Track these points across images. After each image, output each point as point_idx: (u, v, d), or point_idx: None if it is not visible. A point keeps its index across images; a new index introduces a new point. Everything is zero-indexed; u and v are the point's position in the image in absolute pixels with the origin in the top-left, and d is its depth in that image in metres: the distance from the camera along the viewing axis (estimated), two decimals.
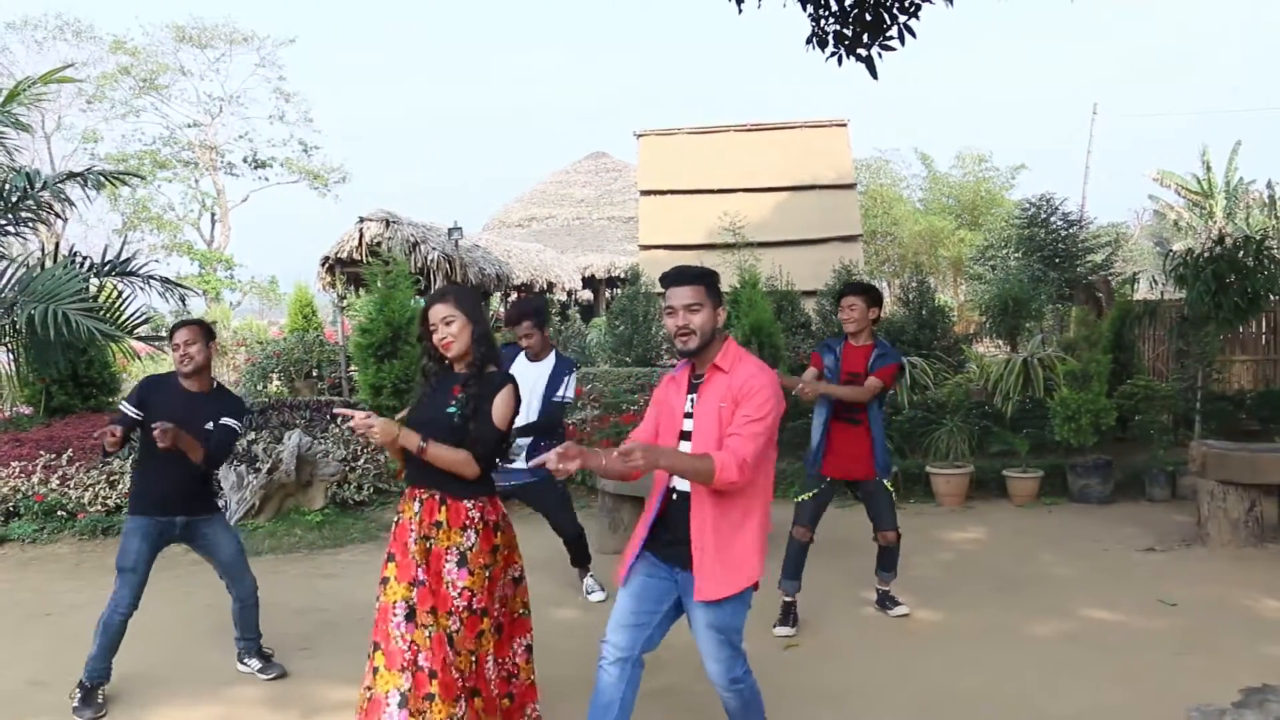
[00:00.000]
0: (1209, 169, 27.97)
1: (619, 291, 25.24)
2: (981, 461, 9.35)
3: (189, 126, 36.84)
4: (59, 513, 8.59)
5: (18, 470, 8.82)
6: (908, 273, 25.52)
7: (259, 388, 16.32)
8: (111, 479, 8.86)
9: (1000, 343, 14.94)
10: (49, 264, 10.51)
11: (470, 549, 3.79)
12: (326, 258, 17.36)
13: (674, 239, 18.02)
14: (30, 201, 10.60)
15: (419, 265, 16.04)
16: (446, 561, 3.78)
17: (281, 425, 9.69)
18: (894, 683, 4.95)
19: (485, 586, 3.81)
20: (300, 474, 8.49)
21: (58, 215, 10.97)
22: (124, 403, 5.09)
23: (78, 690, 4.92)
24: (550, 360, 6.36)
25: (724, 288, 3.85)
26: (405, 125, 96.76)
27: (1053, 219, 18.20)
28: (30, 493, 8.63)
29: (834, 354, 5.94)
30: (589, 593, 6.54)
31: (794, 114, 28.40)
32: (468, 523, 3.81)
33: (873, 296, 5.96)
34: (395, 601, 3.74)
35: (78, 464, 8.99)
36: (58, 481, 8.76)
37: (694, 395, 3.63)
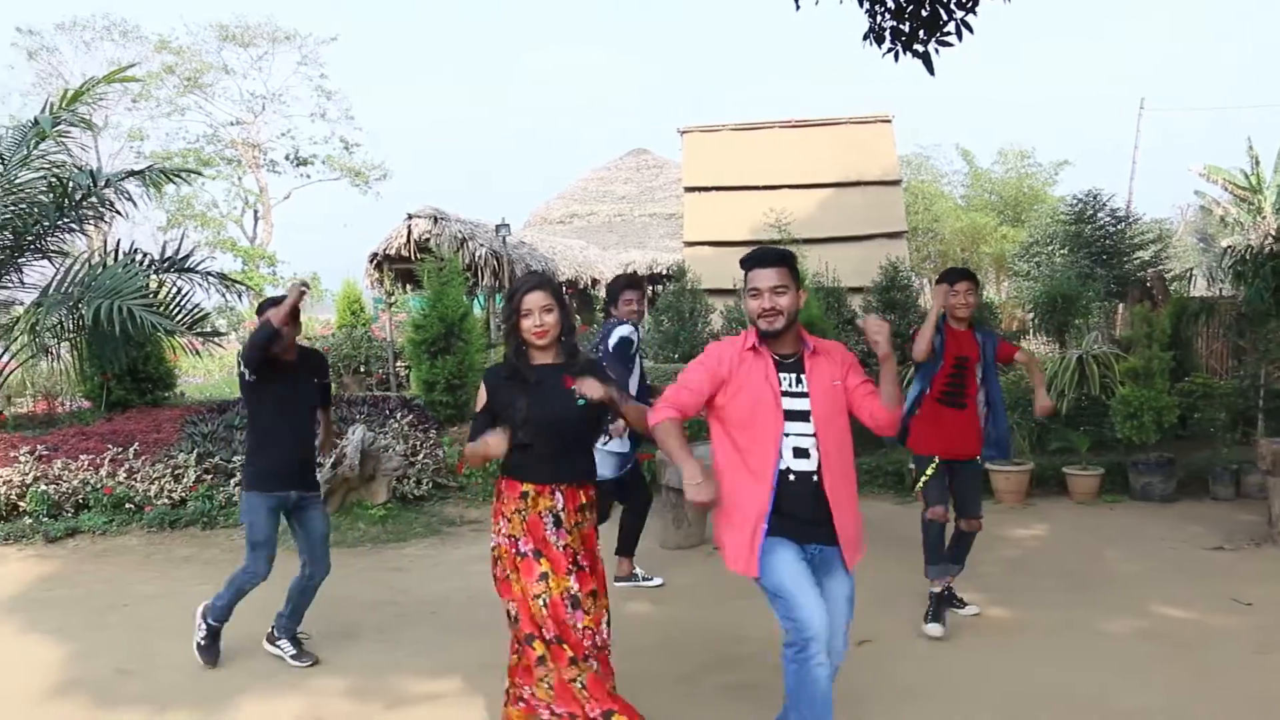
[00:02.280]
0: (1257, 163, 27.61)
1: (661, 288, 25.31)
2: (1040, 459, 9.31)
3: (232, 124, 37.28)
4: (127, 505, 8.73)
5: (86, 463, 8.97)
6: None
7: None
8: (176, 472, 8.99)
9: (1044, 339, 14.86)
10: (109, 261, 10.70)
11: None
12: (375, 254, 17.52)
13: (719, 235, 17.99)
14: (93, 199, 10.81)
15: (466, 262, 16.15)
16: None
17: (340, 420, 9.78)
18: (971, 680, 4.95)
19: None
20: (364, 469, 8.57)
21: (118, 212, 11.12)
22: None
23: (204, 628, 5.39)
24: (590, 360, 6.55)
25: None
26: (444, 122, 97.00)
27: (1100, 215, 18.08)
28: (99, 485, 8.77)
29: (940, 335, 5.78)
30: (644, 579, 6.70)
31: (834, 110, 28.24)
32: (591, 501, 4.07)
33: (978, 282, 5.98)
34: (563, 591, 3.83)
35: (143, 458, 9.12)
36: (125, 475, 8.90)
37: (791, 375, 3.68)
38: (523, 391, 3.88)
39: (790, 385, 3.67)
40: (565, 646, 3.78)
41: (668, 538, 7.66)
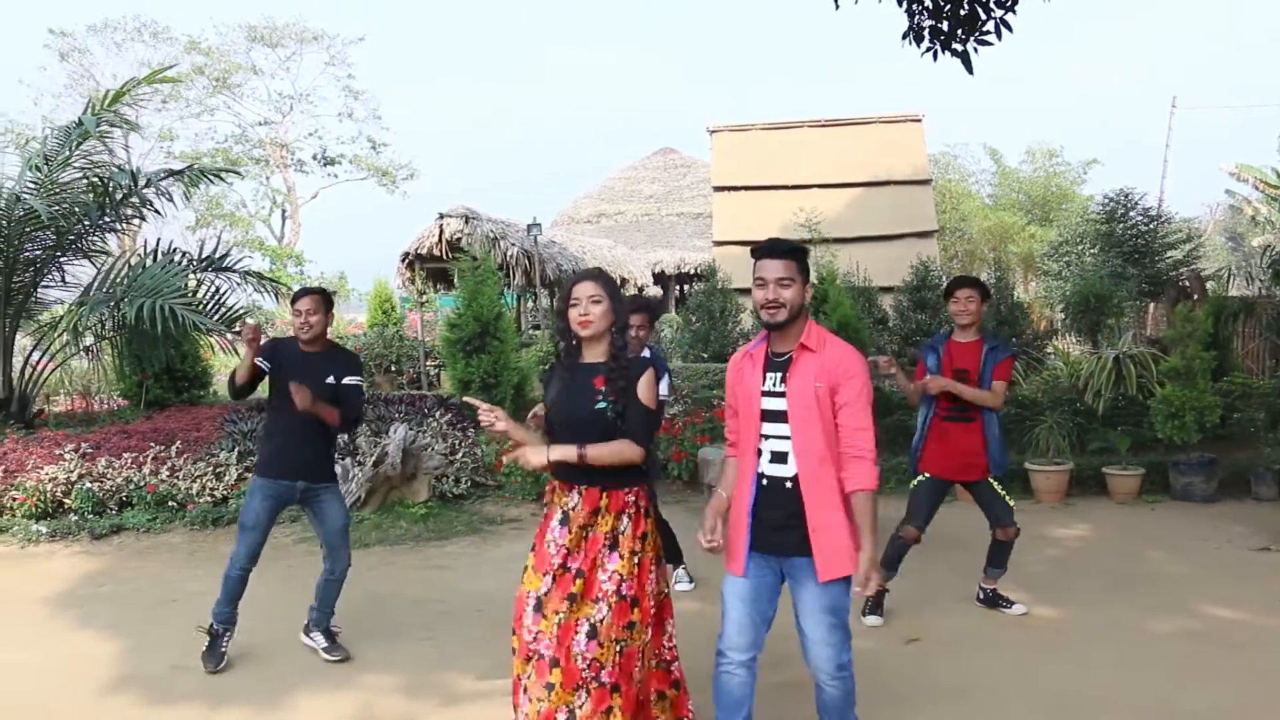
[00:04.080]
0: None
1: (689, 288, 25.32)
2: (1080, 459, 9.28)
3: (260, 124, 37.47)
4: (170, 503, 8.81)
5: (129, 461, 9.05)
6: (985, 269, 25.33)
7: None
8: (218, 471, 9.07)
9: (1075, 338, 14.80)
10: (149, 261, 10.81)
11: (623, 533, 3.79)
12: (406, 253, 17.59)
13: (749, 235, 17.96)
14: (134, 198, 10.92)
15: (498, 261, 16.21)
16: (603, 547, 3.78)
17: (378, 419, 9.84)
18: (1019, 680, 4.95)
19: (635, 574, 3.77)
20: (405, 467, 8.63)
21: (157, 212, 11.23)
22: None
23: (206, 635, 5.38)
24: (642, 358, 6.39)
25: None
26: (470, 121, 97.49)
27: (1132, 214, 17.98)
28: (142, 483, 8.86)
29: (936, 354, 5.81)
30: (676, 583, 6.62)
31: (863, 109, 28.20)
32: (624, 507, 3.81)
33: (984, 290, 5.90)
34: (527, 592, 3.80)
35: (185, 456, 9.20)
36: (167, 473, 8.99)
37: (777, 374, 3.60)
38: (558, 384, 3.89)
39: (773, 384, 3.60)
40: (514, 639, 3.82)
41: None
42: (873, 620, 5.77)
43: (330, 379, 5.29)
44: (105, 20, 34.41)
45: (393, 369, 16.88)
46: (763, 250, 3.63)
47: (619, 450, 3.74)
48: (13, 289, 10.78)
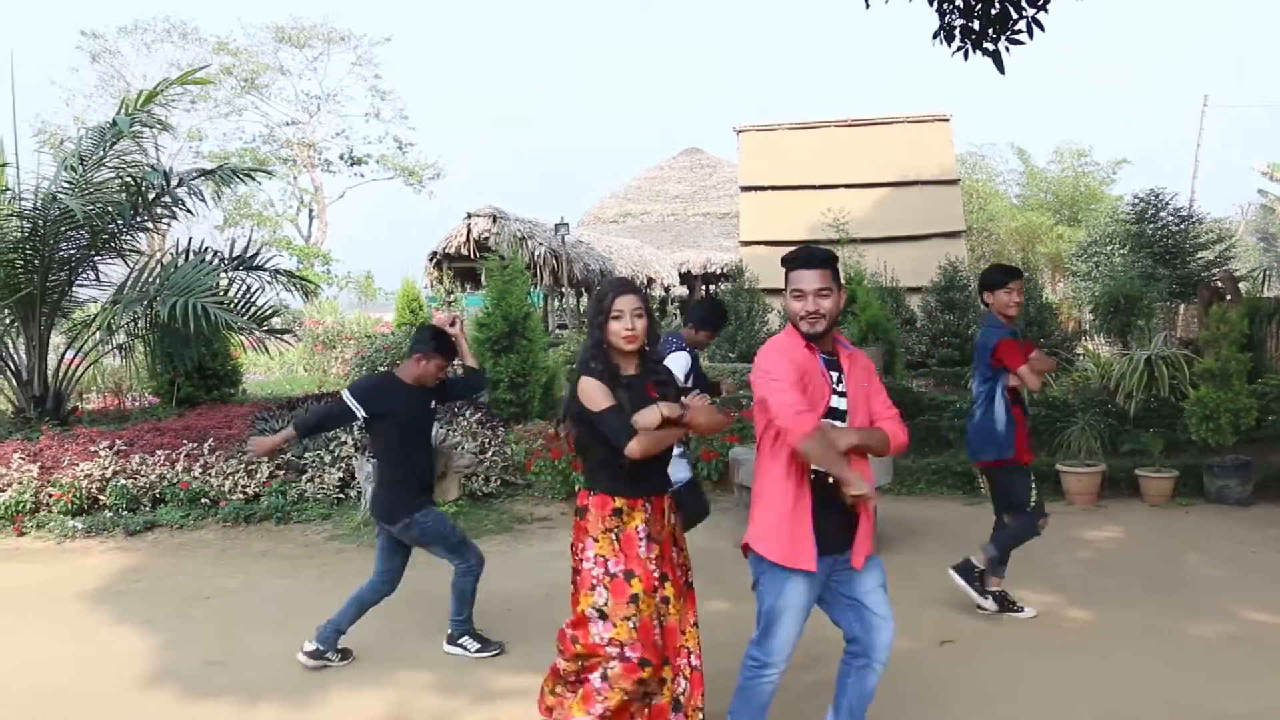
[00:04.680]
0: None
1: (714, 288, 25.32)
2: (1112, 460, 9.22)
3: (288, 124, 37.79)
4: (202, 500, 8.87)
5: (162, 458, 9.12)
6: None
7: None
8: (249, 468, 9.12)
9: (1104, 340, 14.72)
10: (181, 260, 10.90)
11: (677, 526, 4.10)
12: (434, 253, 17.64)
13: (775, 235, 18.00)
14: (166, 198, 11.01)
15: (526, 260, 16.23)
16: (673, 547, 4.00)
17: None
18: (1055, 681, 4.92)
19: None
20: (436, 466, 8.64)
21: (189, 211, 11.32)
22: (351, 400, 5.30)
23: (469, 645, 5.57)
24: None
25: None
26: (496, 121, 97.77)
27: (1163, 214, 17.88)
28: (175, 480, 8.92)
29: (1019, 338, 5.82)
30: None
31: (891, 109, 28.11)
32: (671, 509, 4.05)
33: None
34: (650, 616, 3.81)
35: (217, 453, 9.25)
36: (200, 470, 9.04)
37: (835, 374, 3.66)
38: (623, 391, 3.83)
39: (835, 383, 3.65)
40: (649, 669, 3.75)
41: (740, 536, 7.64)
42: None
43: (433, 404, 5.50)
44: (136, 22, 34.80)
45: None
46: (798, 261, 3.64)
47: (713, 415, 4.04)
48: (48, 287, 10.88)
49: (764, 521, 3.66)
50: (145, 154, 11.53)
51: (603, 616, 3.76)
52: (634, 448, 3.69)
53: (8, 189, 10.71)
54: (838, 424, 3.60)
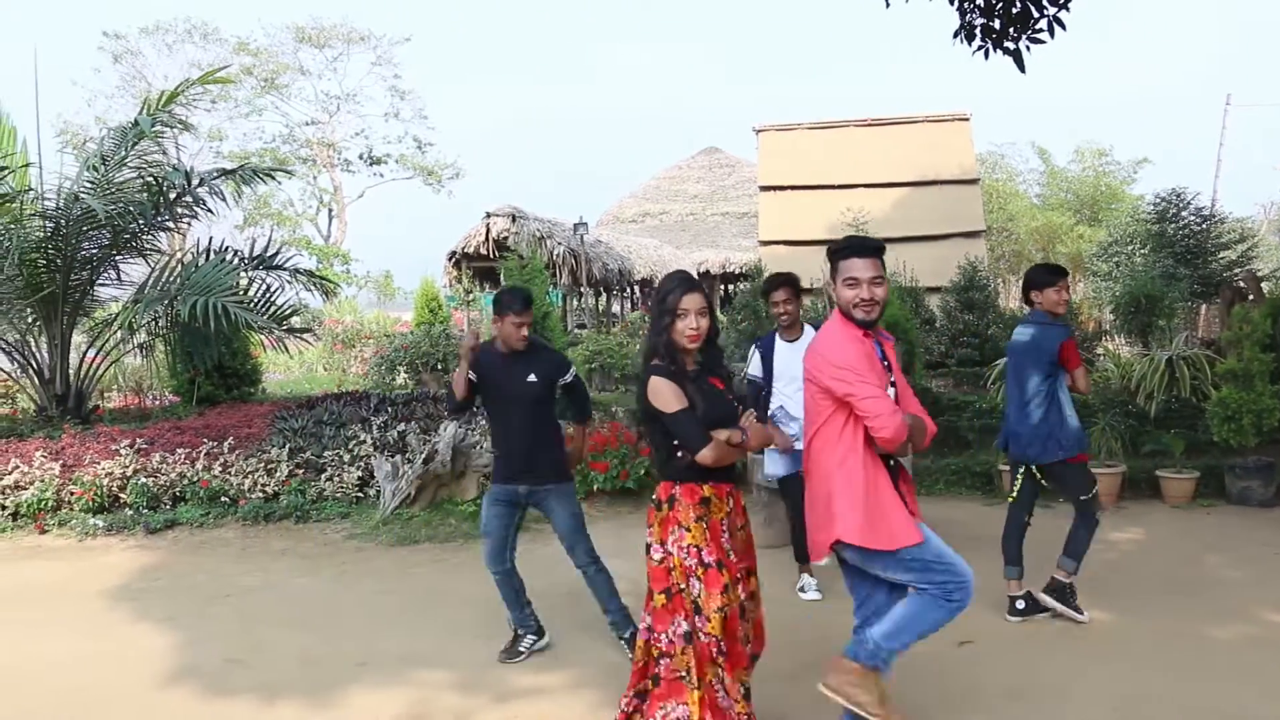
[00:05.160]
0: None
1: (734, 288, 25.28)
2: (1132, 461, 9.17)
3: (307, 124, 37.94)
4: (222, 498, 8.92)
5: (182, 457, 9.17)
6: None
7: (386, 380, 16.66)
8: (269, 467, 9.17)
9: (1124, 340, 14.61)
10: (202, 260, 10.95)
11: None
12: (453, 252, 17.68)
13: (794, 235, 17.94)
14: (187, 198, 11.06)
15: (545, 260, 16.25)
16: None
17: (427, 417, 9.90)
18: (1074, 683, 4.89)
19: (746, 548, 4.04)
20: (454, 465, 8.68)
21: (210, 211, 11.38)
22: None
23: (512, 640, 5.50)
24: (805, 339, 6.32)
25: None
26: (515, 121, 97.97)
27: (1184, 214, 17.75)
28: (195, 479, 8.97)
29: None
30: (802, 590, 6.51)
31: (911, 108, 28.06)
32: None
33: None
34: (736, 606, 3.83)
35: (237, 452, 9.30)
36: (220, 469, 9.10)
37: (886, 363, 3.79)
38: (694, 389, 3.83)
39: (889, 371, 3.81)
40: (724, 658, 3.75)
41: (759, 535, 7.61)
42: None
43: (532, 377, 5.26)
44: (157, 23, 34.99)
45: (439, 367, 16.96)
46: (849, 250, 3.70)
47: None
48: (70, 287, 10.95)
49: (855, 513, 3.69)
50: (166, 154, 11.58)
51: (697, 610, 3.74)
52: (707, 456, 3.73)
53: (30, 189, 10.79)
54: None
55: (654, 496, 3.93)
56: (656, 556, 3.83)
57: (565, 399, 5.47)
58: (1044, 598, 5.84)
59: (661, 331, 3.83)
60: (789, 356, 6.30)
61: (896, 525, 3.70)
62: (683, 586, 3.75)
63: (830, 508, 3.73)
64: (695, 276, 4.00)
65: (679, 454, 3.79)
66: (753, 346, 6.73)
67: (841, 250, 3.70)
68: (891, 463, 3.77)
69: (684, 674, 3.71)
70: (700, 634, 3.71)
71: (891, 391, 3.73)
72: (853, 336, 3.72)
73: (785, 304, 6.35)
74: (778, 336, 6.49)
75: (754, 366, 6.55)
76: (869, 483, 3.67)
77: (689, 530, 3.77)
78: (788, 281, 6.44)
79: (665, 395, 3.76)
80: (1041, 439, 5.75)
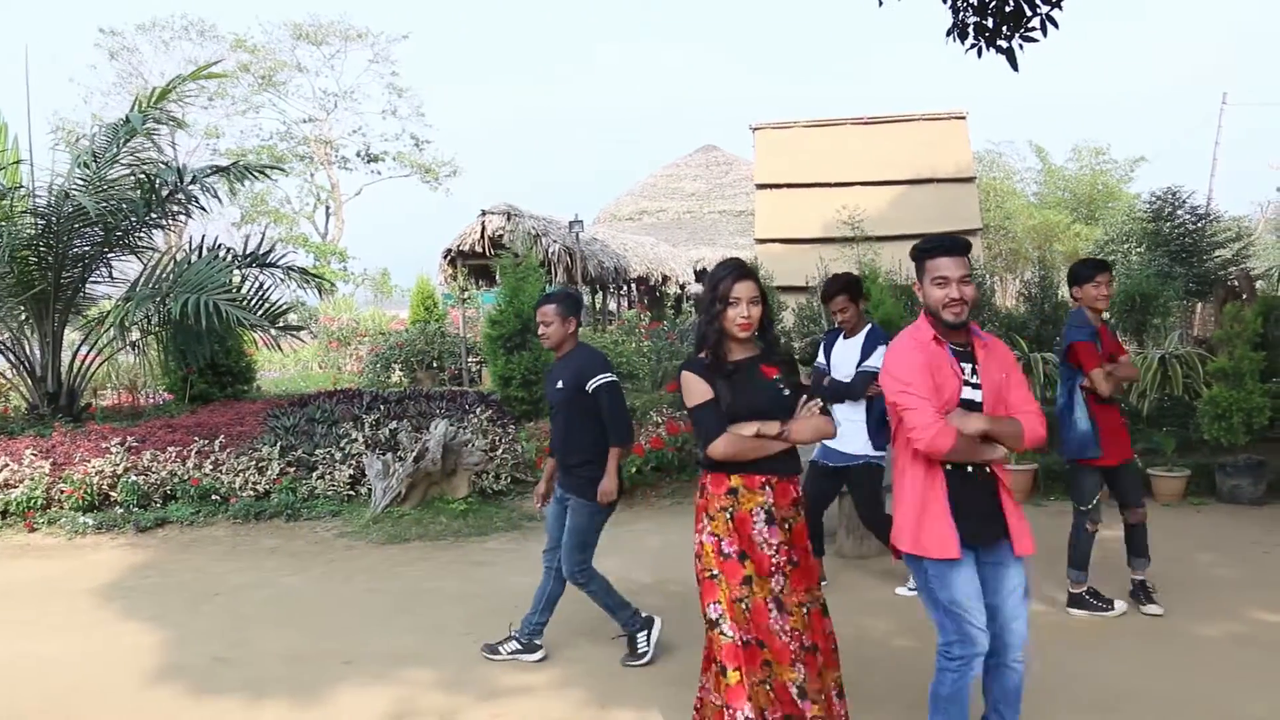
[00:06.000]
0: None
1: None
2: None
3: (305, 122, 37.92)
4: (213, 497, 8.92)
5: (173, 455, 9.17)
6: (1029, 268, 25.10)
7: (382, 378, 16.68)
8: (260, 465, 9.16)
9: (1122, 338, 14.63)
10: (194, 257, 10.94)
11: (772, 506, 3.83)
12: (449, 250, 17.67)
13: (791, 233, 17.96)
14: (179, 195, 11.05)
15: (540, 258, 16.23)
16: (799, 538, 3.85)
17: (419, 415, 9.89)
18: (1062, 680, 4.87)
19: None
20: (445, 463, 8.67)
21: (202, 208, 11.37)
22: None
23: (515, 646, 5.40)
24: (863, 334, 6.33)
25: None
26: (512, 119, 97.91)
27: (1180, 213, 17.75)
28: (186, 477, 8.97)
29: (1098, 340, 5.73)
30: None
31: (908, 107, 28.10)
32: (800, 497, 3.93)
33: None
34: (766, 599, 3.74)
35: (228, 450, 9.30)
36: (210, 467, 9.09)
37: (969, 365, 3.59)
38: (723, 382, 3.76)
39: (969, 375, 3.60)
40: (766, 650, 3.70)
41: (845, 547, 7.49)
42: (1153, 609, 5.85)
43: (559, 384, 5.20)
44: (154, 19, 34.96)
45: (435, 365, 16.97)
46: (940, 248, 3.58)
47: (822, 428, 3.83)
48: (62, 284, 10.95)
49: (906, 519, 3.65)
50: (160, 151, 11.58)
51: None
52: (718, 447, 3.69)
53: (21, 186, 10.78)
54: (975, 413, 3.57)
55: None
56: (694, 544, 3.86)
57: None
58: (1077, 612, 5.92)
59: (713, 319, 3.76)
60: (845, 351, 6.37)
61: (931, 533, 3.58)
62: (713, 573, 3.75)
63: (894, 516, 3.73)
64: (750, 266, 3.85)
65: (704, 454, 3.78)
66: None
67: (928, 250, 3.58)
68: (971, 470, 3.58)
69: (714, 659, 3.74)
70: (722, 622, 3.71)
71: (975, 395, 3.57)
72: (916, 344, 3.60)
73: (842, 311, 6.38)
74: (840, 334, 6.54)
75: (877, 358, 6.52)
76: (921, 493, 3.59)
77: (713, 519, 3.77)
78: (843, 288, 6.42)
79: (690, 389, 3.77)
80: (1062, 439, 5.81)
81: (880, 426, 6.09)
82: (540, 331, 5.27)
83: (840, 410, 6.22)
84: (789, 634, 3.70)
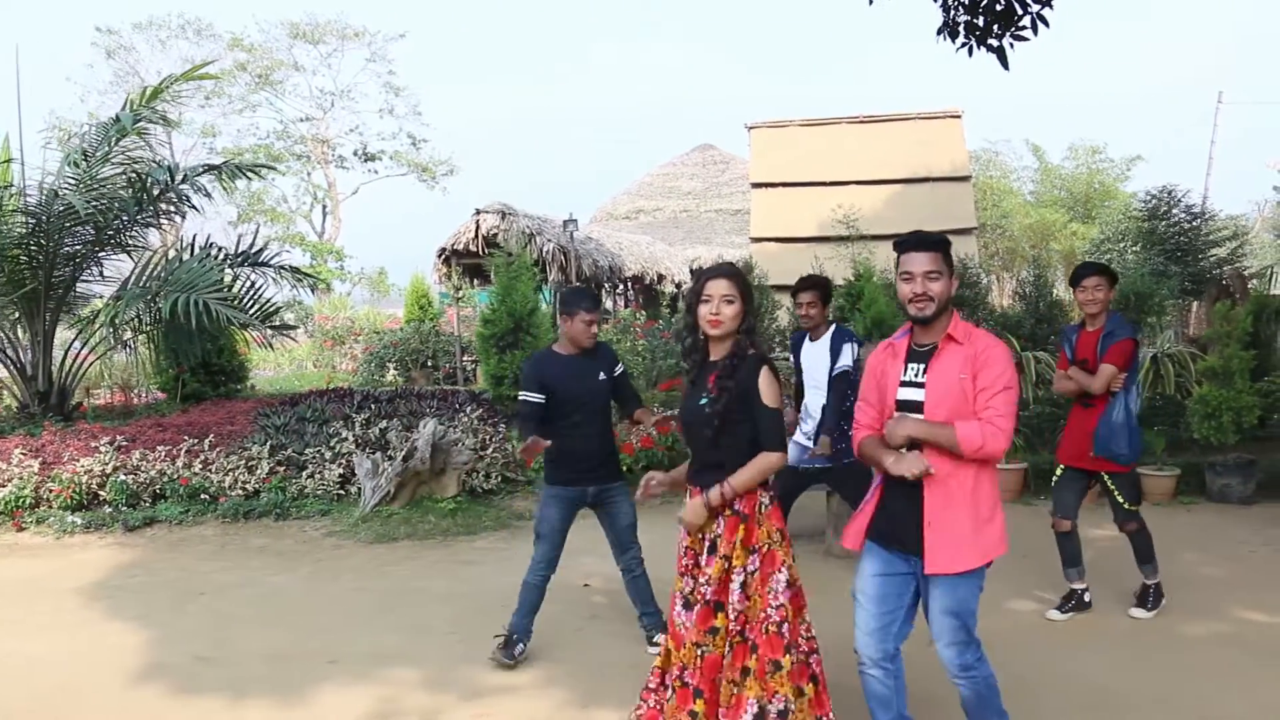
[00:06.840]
0: None
1: None
2: None
3: (301, 121, 37.89)
4: (202, 496, 8.91)
5: (163, 454, 9.16)
6: (1024, 266, 25.10)
7: (376, 377, 16.67)
8: (250, 464, 9.15)
9: None
10: (185, 256, 10.93)
11: (719, 536, 3.72)
12: (443, 249, 17.65)
13: (786, 232, 17.94)
14: (171, 194, 11.04)
15: (534, 257, 16.19)
16: (705, 551, 3.79)
17: (410, 414, 9.88)
18: (1050, 679, 4.87)
19: (721, 579, 3.69)
20: (434, 462, 8.66)
21: (194, 207, 11.35)
22: (525, 393, 5.21)
23: (500, 638, 5.29)
24: (828, 336, 6.40)
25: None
26: (509, 118, 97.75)
27: (1174, 211, 17.74)
28: (175, 476, 8.96)
29: (1069, 344, 5.78)
30: None
31: (903, 105, 28.03)
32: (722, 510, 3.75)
33: (1113, 277, 5.71)
34: (675, 591, 3.84)
35: (218, 449, 9.29)
36: (200, 466, 9.08)
37: (919, 365, 3.54)
38: (686, 382, 3.85)
39: (913, 375, 3.55)
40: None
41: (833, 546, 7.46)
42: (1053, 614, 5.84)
43: (601, 375, 5.29)
44: (150, 18, 34.94)
45: (429, 364, 16.97)
46: (908, 243, 3.57)
47: (761, 467, 3.68)
48: (53, 283, 10.93)
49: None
50: (152, 150, 11.56)
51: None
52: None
53: (12, 184, 10.76)
54: (911, 416, 3.51)
55: None
56: (785, 578, 3.78)
57: (615, 391, 5.42)
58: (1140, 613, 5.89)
59: (689, 315, 3.82)
60: (814, 353, 6.42)
61: (852, 523, 3.72)
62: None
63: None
64: (737, 268, 3.83)
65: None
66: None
67: (901, 244, 3.57)
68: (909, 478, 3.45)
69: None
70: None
71: (915, 395, 3.51)
72: (880, 348, 3.66)
73: (809, 307, 6.40)
74: (807, 335, 6.54)
75: (846, 357, 6.47)
76: (873, 491, 3.69)
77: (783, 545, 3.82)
78: (813, 285, 6.43)
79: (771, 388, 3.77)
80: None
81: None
82: (594, 333, 5.29)
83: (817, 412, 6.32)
84: (682, 627, 3.82)
